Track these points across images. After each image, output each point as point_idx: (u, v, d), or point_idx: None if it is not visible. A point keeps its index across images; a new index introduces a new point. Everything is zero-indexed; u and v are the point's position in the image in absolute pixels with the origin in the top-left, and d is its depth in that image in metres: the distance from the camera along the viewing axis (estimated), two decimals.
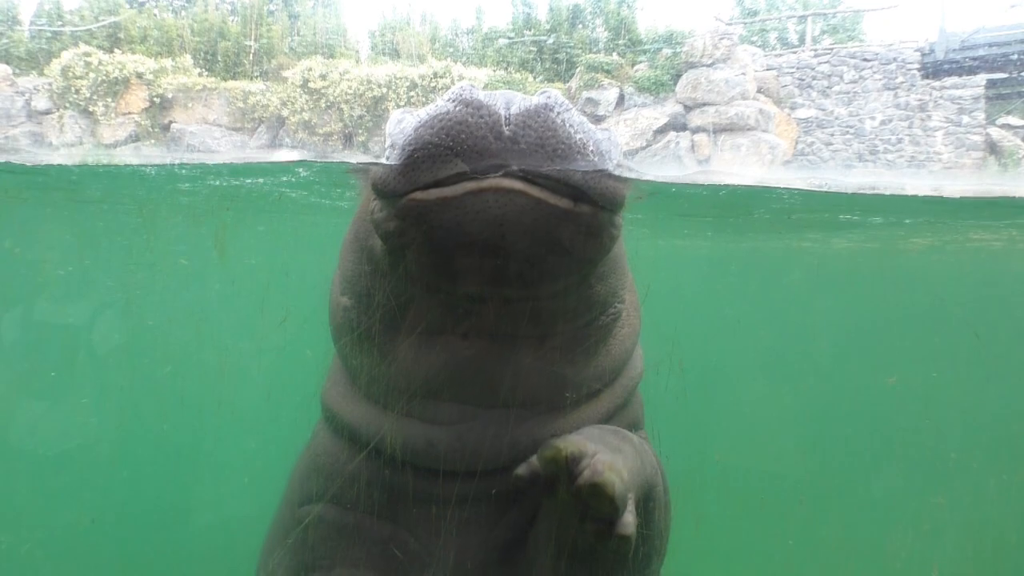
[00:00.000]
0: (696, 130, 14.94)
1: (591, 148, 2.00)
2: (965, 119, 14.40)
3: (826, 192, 4.39)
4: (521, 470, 1.99)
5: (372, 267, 2.29)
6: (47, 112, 15.80)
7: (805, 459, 5.74)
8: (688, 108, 15.07)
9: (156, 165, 4.58)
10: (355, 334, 2.38)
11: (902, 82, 14.91)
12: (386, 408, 2.35)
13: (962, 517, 5.76)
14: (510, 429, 2.27)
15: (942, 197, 4.34)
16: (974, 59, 14.68)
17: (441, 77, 15.41)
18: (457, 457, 2.25)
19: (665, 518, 2.48)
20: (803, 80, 15.60)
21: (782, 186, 4.41)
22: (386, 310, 2.27)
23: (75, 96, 15.34)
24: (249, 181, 4.37)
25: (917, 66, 14.92)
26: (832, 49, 15.92)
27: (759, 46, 18.69)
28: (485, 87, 2.50)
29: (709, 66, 14.95)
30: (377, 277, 2.28)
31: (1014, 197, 4.83)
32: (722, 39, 15.13)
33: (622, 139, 14.91)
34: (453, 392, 2.28)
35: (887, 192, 4.30)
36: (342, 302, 2.41)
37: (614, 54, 16.64)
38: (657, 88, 15.25)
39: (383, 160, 2.10)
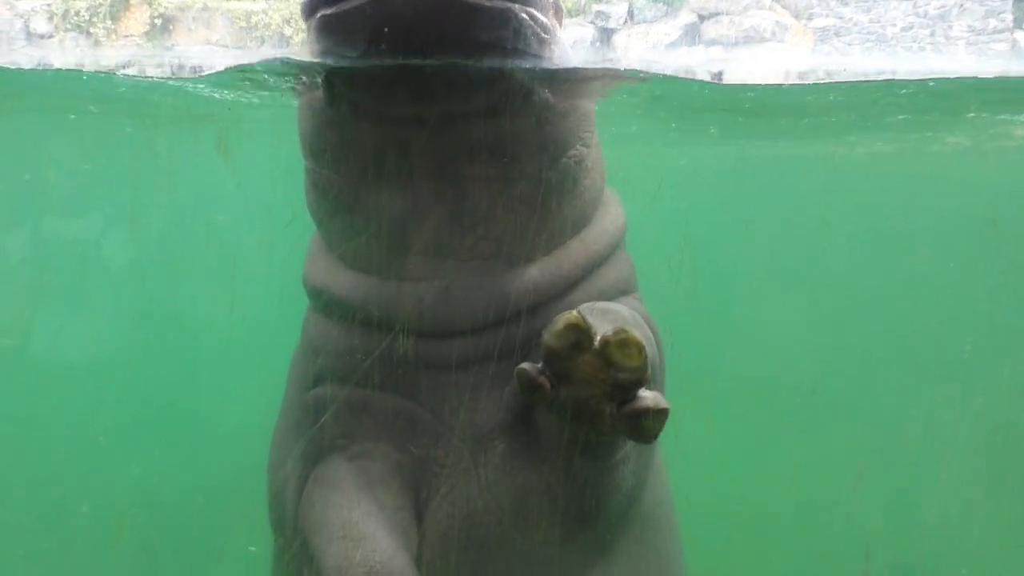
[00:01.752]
0: (711, 43, 14.53)
1: None
2: (992, 23, 13.90)
3: (842, 83, 4.20)
4: (525, 366, 1.93)
5: (316, 117, 2.27)
6: (47, 36, 15.51)
7: (817, 367, 5.72)
8: (703, 18, 14.62)
9: (154, 77, 4.48)
10: (319, 194, 2.36)
11: None
12: (367, 272, 2.33)
13: (976, 412, 5.76)
14: (492, 280, 2.24)
15: (977, 77, 4.08)
16: None
17: None
18: (443, 314, 2.23)
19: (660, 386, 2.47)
20: None
21: (792, 82, 4.24)
22: (338, 157, 2.23)
23: (75, 18, 15.01)
24: (245, 95, 4.27)
25: None
26: None
27: None
28: None
29: None
30: (323, 125, 2.26)
31: None
32: None
33: (633, 54, 14.56)
34: (422, 242, 2.24)
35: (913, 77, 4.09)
36: (306, 167, 2.39)
37: None
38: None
39: None
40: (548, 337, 1.83)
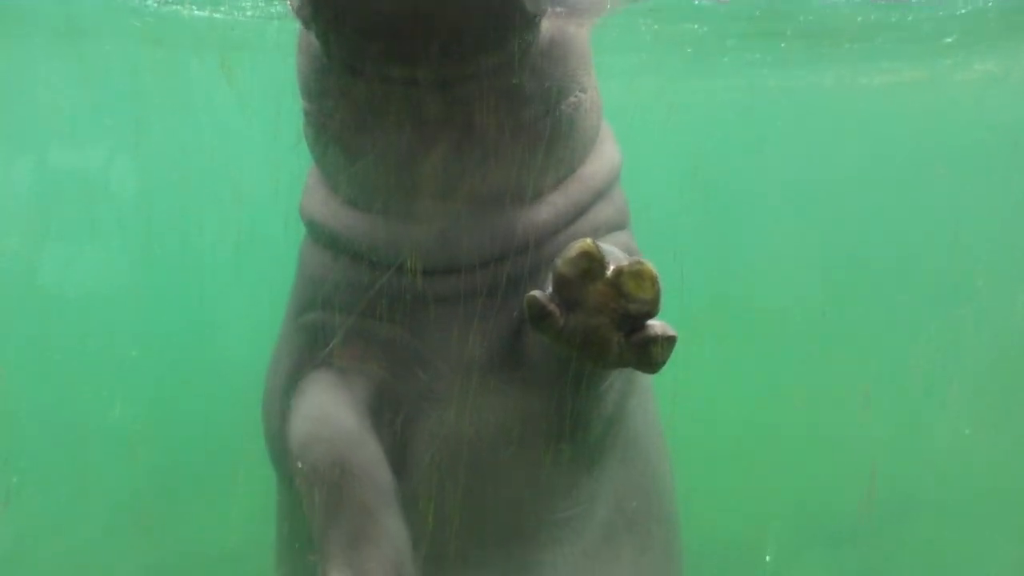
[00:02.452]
0: None
1: None
2: None
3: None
4: (536, 294, 1.89)
5: (313, 62, 2.24)
6: None
7: (827, 294, 5.68)
8: None
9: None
10: (317, 134, 2.34)
11: None
12: (366, 210, 2.33)
13: (986, 340, 5.75)
14: (490, 222, 2.26)
15: None
16: None
17: None
18: (440, 254, 2.25)
19: None
20: None
21: None
22: (336, 103, 2.21)
23: None
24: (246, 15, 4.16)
25: None
26: None
27: None
28: None
29: None
30: (320, 71, 2.22)
31: None
32: None
33: None
34: (421, 186, 2.24)
35: None
36: (304, 107, 2.36)
37: None
38: None
39: None
40: (560, 264, 1.80)
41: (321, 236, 2.46)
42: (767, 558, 5.98)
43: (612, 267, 1.79)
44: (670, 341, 1.84)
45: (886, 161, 6.62)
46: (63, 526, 4.77)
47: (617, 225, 2.56)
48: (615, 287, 1.79)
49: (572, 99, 2.34)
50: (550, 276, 1.90)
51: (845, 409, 5.22)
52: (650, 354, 1.84)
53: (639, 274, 1.78)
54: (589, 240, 1.81)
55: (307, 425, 2.19)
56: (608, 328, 1.82)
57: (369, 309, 2.33)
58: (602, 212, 2.51)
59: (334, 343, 2.38)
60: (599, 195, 2.50)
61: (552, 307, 1.83)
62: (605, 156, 2.58)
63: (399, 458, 2.36)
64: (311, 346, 2.42)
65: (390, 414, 2.35)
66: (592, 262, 1.79)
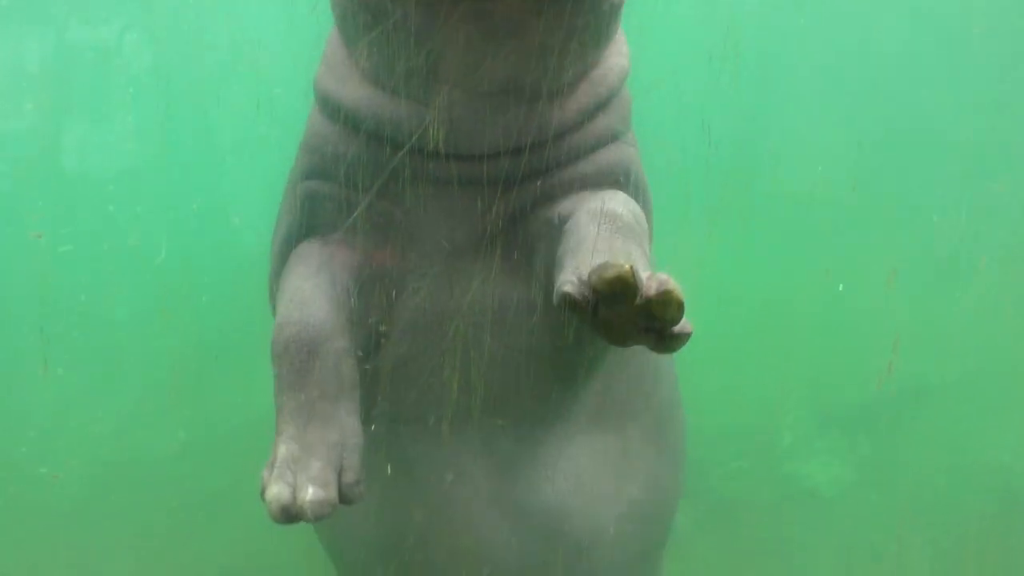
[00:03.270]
0: None
1: None
2: None
3: None
4: (569, 289, 1.88)
5: None
6: None
7: (857, 171, 5.52)
8: None
9: None
10: (339, 8, 2.29)
11: None
12: (383, 87, 2.28)
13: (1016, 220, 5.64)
14: (506, 113, 2.22)
15: None
16: None
17: None
18: (455, 137, 2.22)
19: None
20: None
21: None
22: None
23: None
24: None
25: None
26: None
27: None
28: None
29: None
30: None
31: None
32: None
33: None
34: (444, 69, 2.17)
35: None
36: None
37: None
38: None
39: None
40: (596, 280, 1.78)
41: (331, 108, 2.42)
42: (782, 443, 6.11)
43: (642, 293, 1.80)
44: (687, 336, 1.91)
45: (926, 31, 6.25)
46: (98, 398, 4.95)
47: (622, 130, 2.52)
48: (644, 309, 1.82)
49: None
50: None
51: (866, 293, 5.17)
52: (665, 345, 1.91)
53: (667, 302, 1.80)
54: (628, 266, 1.79)
55: (285, 308, 2.26)
56: (632, 328, 1.88)
57: (364, 183, 2.33)
58: (611, 115, 2.46)
59: (326, 215, 2.41)
60: (612, 95, 2.46)
61: (584, 302, 1.86)
62: (620, 56, 2.52)
63: (386, 327, 2.42)
64: (307, 213, 2.46)
65: (377, 289, 2.40)
66: (626, 288, 1.79)
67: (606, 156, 2.44)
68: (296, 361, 2.15)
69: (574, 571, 2.67)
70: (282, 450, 2.07)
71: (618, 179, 2.44)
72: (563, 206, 2.35)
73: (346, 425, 2.16)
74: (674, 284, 1.83)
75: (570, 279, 1.90)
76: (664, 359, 2.95)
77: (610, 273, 1.81)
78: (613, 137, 2.48)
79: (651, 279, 1.81)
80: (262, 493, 2.04)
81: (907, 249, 5.52)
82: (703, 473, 5.69)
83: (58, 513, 4.35)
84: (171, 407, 4.62)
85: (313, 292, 2.27)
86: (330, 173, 2.40)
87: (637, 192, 2.49)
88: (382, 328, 2.43)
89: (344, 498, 2.06)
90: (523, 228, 2.38)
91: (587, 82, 2.40)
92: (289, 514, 1.96)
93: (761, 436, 6.10)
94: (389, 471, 2.50)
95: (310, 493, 1.98)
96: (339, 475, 2.07)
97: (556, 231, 2.28)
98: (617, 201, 2.29)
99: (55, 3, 5.37)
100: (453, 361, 2.40)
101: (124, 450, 4.68)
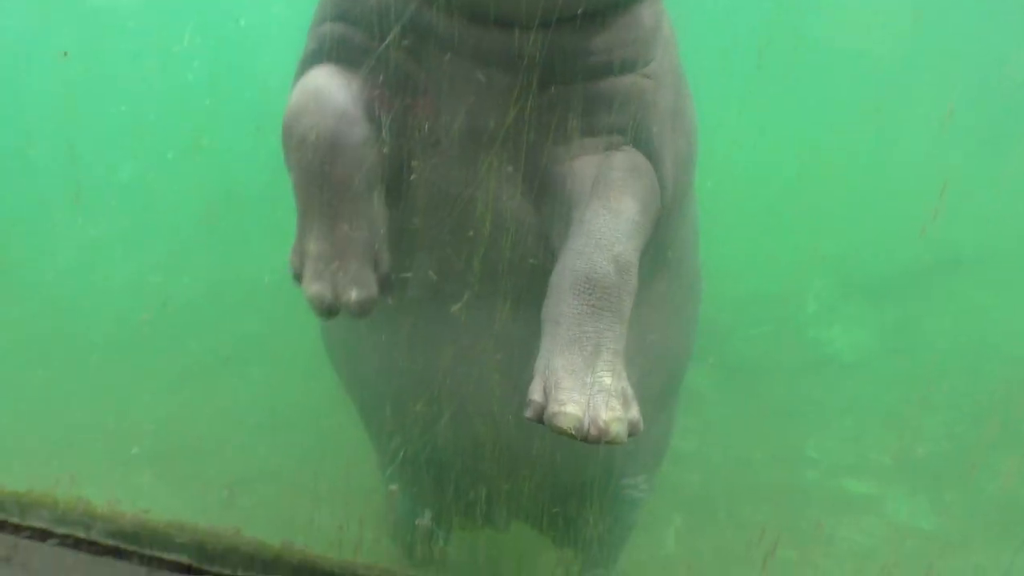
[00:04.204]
0: None
1: None
2: None
3: None
4: (529, 414, 1.96)
5: None
6: None
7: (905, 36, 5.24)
8: None
9: None
10: None
11: None
12: None
13: None
14: None
15: None
16: None
17: None
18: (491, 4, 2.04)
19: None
20: None
21: None
22: None
23: None
24: None
25: None
26: None
27: None
28: None
29: None
30: None
31: None
32: None
33: None
34: None
35: None
36: None
37: None
38: None
39: None
40: (549, 422, 1.89)
41: None
42: (807, 309, 6.11)
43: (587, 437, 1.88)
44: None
45: None
46: (126, 247, 5.01)
47: (638, 60, 2.31)
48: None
49: None
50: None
51: (906, 156, 5.01)
52: None
53: (610, 442, 1.89)
54: (575, 422, 1.87)
55: (301, 98, 2.14)
56: None
57: (387, 33, 2.17)
58: (635, 27, 2.27)
59: (343, 56, 2.24)
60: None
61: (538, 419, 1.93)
62: None
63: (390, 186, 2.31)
64: (322, 54, 2.29)
65: (385, 124, 2.24)
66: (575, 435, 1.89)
67: (625, 86, 2.27)
68: (318, 152, 2.07)
69: (553, 458, 2.65)
70: (313, 247, 2.07)
71: (635, 116, 2.30)
72: (576, 164, 2.24)
73: (373, 217, 2.13)
74: (615, 431, 1.87)
75: (534, 397, 1.95)
76: (688, 228, 2.87)
77: (562, 425, 1.88)
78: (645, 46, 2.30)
79: (595, 426, 1.86)
80: (296, 279, 2.10)
81: (959, 101, 5.28)
82: (726, 337, 5.73)
83: (94, 350, 4.47)
84: (201, 252, 4.67)
85: (329, 82, 2.15)
86: (356, 18, 2.24)
87: (653, 136, 2.36)
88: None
89: (382, 292, 2.12)
90: (538, 147, 2.26)
91: None
92: (333, 312, 2.04)
93: (786, 303, 6.10)
94: (404, 329, 2.50)
95: (353, 295, 2.04)
96: (376, 267, 2.11)
97: (561, 186, 2.23)
98: (624, 189, 2.21)
99: None
100: (458, 244, 2.34)
101: (156, 294, 4.76)
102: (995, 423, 4.67)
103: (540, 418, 1.97)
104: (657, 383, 2.85)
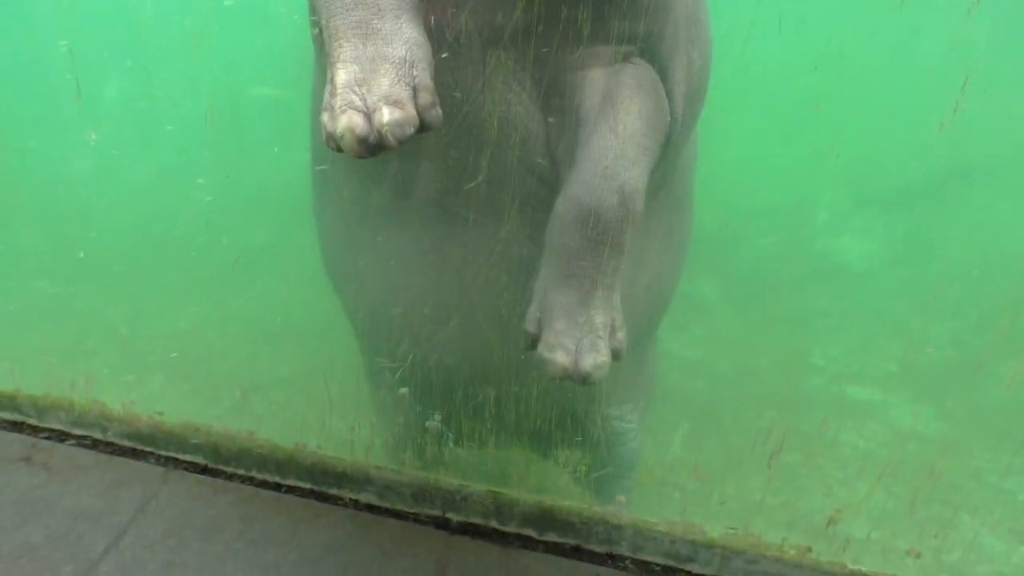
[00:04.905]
0: None
1: None
2: None
3: None
4: (529, 327, 2.11)
5: None
6: None
7: None
8: None
9: None
10: None
11: None
12: None
13: None
14: None
15: None
16: None
17: None
18: None
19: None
20: None
21: None
22: None
23: None
24: None
25: None
26: None
27: None
28: None
29: None
30: None
31: None
32: None
33: None
34: None
35: None
36: None
37: None
38: None
39: None
40: (538, 366, 2.05)
41: None
42: (816, 220, 6.06)
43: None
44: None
45: None
46: (136, 157, 4.96)
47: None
48: None
49: None
50: None
51: (910, 75, 4.87)
52: None
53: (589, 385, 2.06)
54: (561, 372, 2.07)
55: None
56: None
57: None
58: None
59: None
60: None
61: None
62: None
63: None
64: None
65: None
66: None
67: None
68: None
69: None
70: (341, 75, 1.78)
71: (649, 25, 2.21)
72: (585, 76, 2.17)
73: (412, 39, 1.84)
74: (596, 376, 2.00)
75: (529, 327, 2.10)
76: (689, 154, 2.82)
77: (549, 371, 2.03)
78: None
79: (577, 372, 1.99)
80: (329, 139, 1.78)
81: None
82: (733, 246, 5.72)
83: (105, 258, 4.48)
84: (208, 163, 4.61)
85: None
86: None
87: (668, 47, 2.27)
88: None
89: (422, 122, 1.79)
90: (547, 50, 2.15)
91: None
92: (367, 145, 1.73)
93: (796, 213, 6.05)
94: (411, 232, 2.43)
95: (386, 115, 1.72)
96: (413, 95, 1.79)
97: (569, 98, 2.17)
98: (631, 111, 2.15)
99: None
100: (466, 154, 2.24)
101: (164, 204, 4.74)
102: (1000, 330, 4.68)
103: (533, 348, 2.09)
104: (644, 315, 2.86)
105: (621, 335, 2.11)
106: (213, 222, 4.60)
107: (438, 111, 1.83)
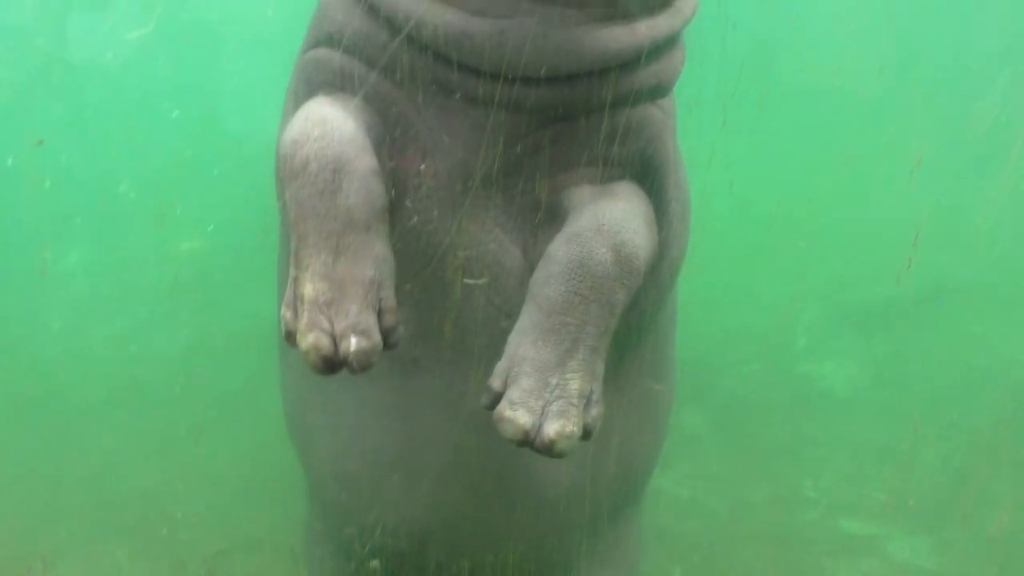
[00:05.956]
0: None
1: None
2: None
3: None
4: (484, 399, 1.95)
5: None
6: None
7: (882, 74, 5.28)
8: None
9: None
10: None
11: None
12: None
13: None
14: (558, 32, 1.91)
15: None
16: None
17: None
18: (494, 55, 1.92)
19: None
20: None
21: None
22: None
23: None
24: None
25: None
26: None
27: None
28: None
29: None
30: None
31: None
32: None
33: None
34: None
35: None
36: None
37: None
38: None
39: None
40: (496, 425, 1.87)
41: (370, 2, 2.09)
42: (797, 344, 6.07)
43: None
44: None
45: None
46: (108, 311, 4.94)
47: (670, 81, 2.22)
48: None
49: None
50: None
51: (888, 186, 5.01)
52: None
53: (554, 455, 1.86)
54: (520, 434, 1.87)
55: (303, 125, 1.95)
56: None
57: (380, 66, 2.04)
58: (669, 60, 2.16)
59: (336, 85, 2.11)
60: (674, 35, 2.13)
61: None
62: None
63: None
64: (314, 78, 2.16)
65: (383, 154, 2.10)
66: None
67: (638, 116, 2.13)
68: (320, 181, 1.86)
69: (536, 527, 2.51)
70: (309, 289, 1.83)
71: (643, 149, 2.18)
72: (574, 193, 2.11)
73: (380, 255, 1.89)
74: (559, 448, 1.83)
75: (494, 384, 1.92)
76: (667, 324, 2.73)
77: (505, 432, 1.86)
78: (667, 83, 2.18)
79: (540, 440, 1.82)
80: (289, 337, 1.85)
81: (935, 137, 5.30)
82: (716, 374, 5.68)
83: (78, 412, 4.39)
84: (181, 311, 4.60)
85: (332, 111, 1.96)
86: (344, 45, 2.10)
87: (659, 173, 2.23)
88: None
89: (386, 344, 1.86)
90: (533, 184, 2.14)
91: (664, 15, 2.07)
92: (331, 365, 1.80)
93: (776, 337, 6.06)
94: (378, 392, 2.35)
95: (353, 344, 1.79)
96: (379, 318, 1.86)
97: (556, 211, 2.11)
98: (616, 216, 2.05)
99: None
100: (437, 301, 2.19)
101: (136, 355, 4.69)
102: (990, 454, 4.63)
103: (493, 407, 1.89)
104: (621, 486, 2.70)
105: (597, 411, 1.92)
106: (182, 375, 4.56)
107: (401, 331, 1.91)
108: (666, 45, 2.11)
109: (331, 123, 1.93)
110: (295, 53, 2.38)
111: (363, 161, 1.90)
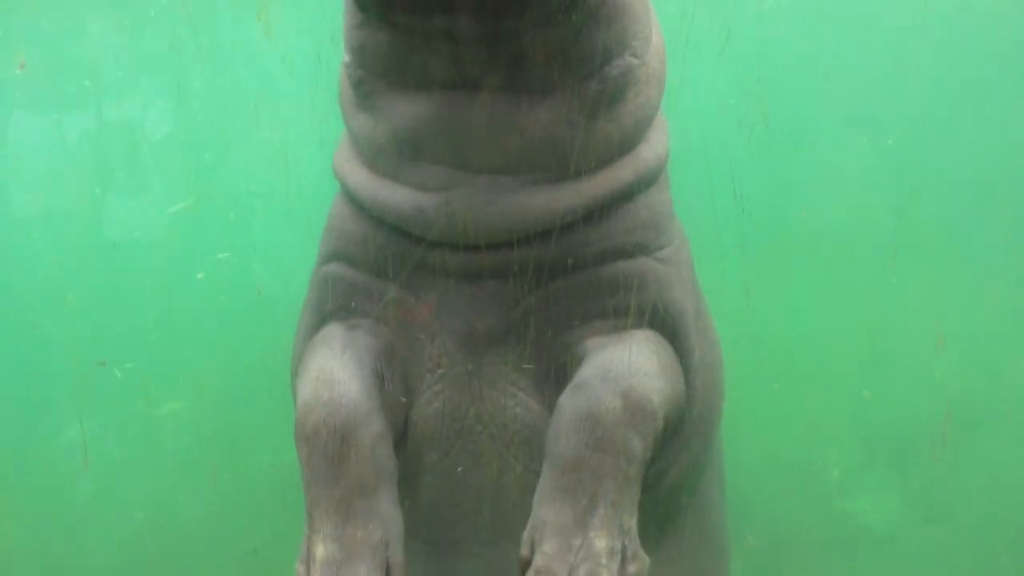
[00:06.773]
0: None
1: None
2: None
3: None
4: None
5: (353, 17, 2.14)
6: None
7: (898, 223, 5.42)
8: None
9: None
10: (348, 88, 2.27)
11: None
12: (383, 174, 2.23)
13: None
14: (507, 199, 2.08)
15: None
16: None
17: None
18: (447, 225, 2.09)
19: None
20: None
21: None
22: (370, 55, 2.11)
23: None
24: None
25: None
26: None
27: None
28: None
29: None
30: (357, 27, 2.12)
31: None
32: None
33: None
34: (438, 152, 2.11)
35: None
36: (344, 61, 2.29)
37: None
38: None
39: None
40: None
41: (344, 191, 2.41)
42: (830, 478, 5.95)
43: None
44: None
45: (966, 73, 6.11)
46: (137, 477, 5.00)
47: (651, 239, 2.30)
48: None
49: (621, 62, 2.11)
50: None
51: (914, 335, 5.06)
52: None
53: None
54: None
55: (313, 388, 2.13)
56: None
57: (377, 267, 2.27)
58: (638, 215, 2.26)
59: (345, 299, 2.35)
60: (637, 192, 2.24)
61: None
62: (649, 149, 2.30)
63: (401, 429, 2.31)
64: (327, 297, 2.40)
65: (396, 372, 2.29)
66: None
67: (634, 269, 2.24)
68: (328, 448, 2.02)
69: None
70: (321, 551, 1.96)
71: (651, 301, 2.25)
72: (587, 344, 2.19)
73: (387, 517, 2.03)
74: None
75: (523, 552, 1.92)
76: (712, 488, 2.78)
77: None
78: (646, 240, 2.28)
79: None
80: None
81: (955, 295, 5.40)
82: (748, 515, 5.56)
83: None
84: (205, 482, 4.66)
85: (341, 371, 2.13)
86: (352, 257, 2.35)
87: (676, 323, 2.29)
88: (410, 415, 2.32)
89: None
90: (544, 343, 2.24)
91: (619, 167, 2.21)
92: None
93: (807, 471, 5.96)
94: None
95: None
96: (386, 574, 1.97)
97: (570, 366, 2.19)
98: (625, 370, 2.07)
99: (85, 83, 5.55)
100: (472, 478, 2.29)
101: (159, 524, 4.71)
102: None
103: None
104: None
105: (635, 568, 1.88)
106: (205, 534, 4.56)
107: None
108: (621, 199, 2.21)
109: (339, 388, 2.09)
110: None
111: (370, 428, 2.06)
